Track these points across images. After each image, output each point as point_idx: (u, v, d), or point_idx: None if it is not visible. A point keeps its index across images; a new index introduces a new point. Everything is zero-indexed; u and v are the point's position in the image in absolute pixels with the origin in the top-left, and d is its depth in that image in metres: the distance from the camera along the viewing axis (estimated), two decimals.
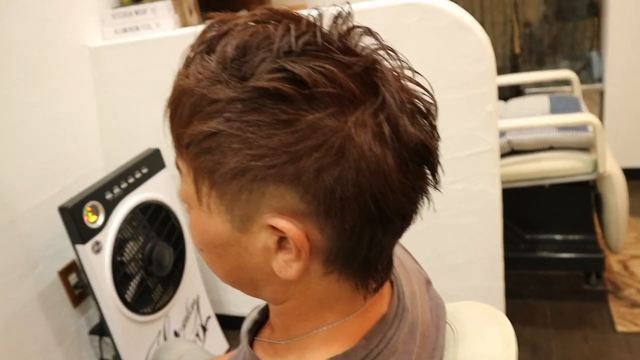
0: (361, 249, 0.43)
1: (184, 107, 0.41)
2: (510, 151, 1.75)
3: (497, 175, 1.48)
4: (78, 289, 1.57)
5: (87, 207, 1.34)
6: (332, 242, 0.42)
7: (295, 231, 0.40)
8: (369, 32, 0.42)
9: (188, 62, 0.43)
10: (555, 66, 2.64)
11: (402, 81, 0.42)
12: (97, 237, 1.35)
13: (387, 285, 0.54)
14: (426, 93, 0.44)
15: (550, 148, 1.71)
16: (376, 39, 0.43)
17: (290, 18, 0.41)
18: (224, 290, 1.93)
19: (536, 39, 2.59)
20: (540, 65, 2.65)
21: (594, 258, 1.82)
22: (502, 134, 1.74)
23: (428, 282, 0.68)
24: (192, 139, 0.41)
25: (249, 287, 0.48)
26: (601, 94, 2.49)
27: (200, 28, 0.44)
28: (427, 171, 0.44)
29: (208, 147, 0.40)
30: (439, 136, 0.45)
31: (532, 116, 1.82)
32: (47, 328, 1.48)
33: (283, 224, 0.40)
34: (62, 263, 1.53)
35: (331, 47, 0.39)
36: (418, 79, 0.44)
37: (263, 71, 0.38)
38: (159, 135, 1.67)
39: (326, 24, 0.42)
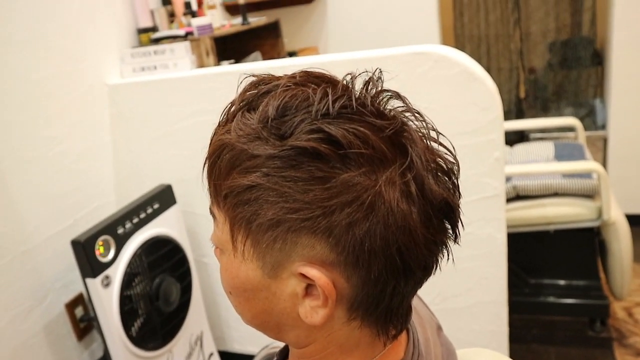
0: (384, 298, 0.45)
1: (224, 160, 0.44)
2: (516, 196, 1.78)
3: (503, 220, 1.50)
4: (83, 322, 1.57)
5: (99, 242, 1.36)
6: (357, 291, 0.44)
7: (324, 280, 0.43)
8: (397, 96, 0.45)
9: (229, 118, 0.46)
10: (559, 112, 2.69)
11: (427, 141, 0.45)
12: (107, 272, 1.37)
13: (403, 332, 0.56)
14: (449, 153, 0.47)
15: (555, 194, 1.74)
16: (404, 102, 0.46)
17: (327, 82, 0.45)
18: (228, 327, 1.93)
19: (541, 86, 2.65)
20: (544, 111, 2.71)
21: (598, 304, 1.82)
22: (508, 179, 1.76)
23: (439, 328, 0.69)
24: (230, 190, 0.44)
25: (274, 330, 0.50)
26: (605, 140, 2.53)
27: (242, 86, 0.47)
28: (448, 226, 0.47)
29: (247, 199, 0.43)
30: (460, 194, 0.47)
31: (537, 162, 1.85)
32: None
33: (313, 272, 0.43)
34: (70, 296, 1.54)
35: (364, 110, 0.43)
36: (442, 139, 0.47)
37: (302, 131, 0.41)
38: (171, 171, 1.71)
39: (357, 87, 0.46)
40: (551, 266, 1.85)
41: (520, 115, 2.73)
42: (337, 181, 0.41)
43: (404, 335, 0.56)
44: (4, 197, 1.35)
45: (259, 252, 0.45)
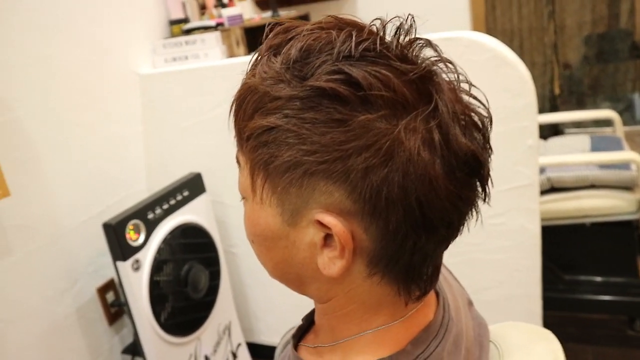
0: (404, 253, 0.43)
1: (248, 103, 0.44)
2: (550, 188, 1.73)
3: (536, 210, 1.46)
4: (114, 307, 1.59)
5: (130, 225, 1.38)
6: (376, 244, 0.43)
7: (340, 227, 0.42)
8: (429, 44, 0.44)
9: (256, 64, 0.46)
10: (595, 107, 2.61)
11: (457, 93, 0.44)
12: (137, 255, 1.39)
13: (432, 295, 0.54)
14: (482, 106, 0.45)
15: (592, 186, 1.68)
16: (436, 51, 0.44)
17: (353, 26, 0.44)
18: (256, 319, 1.93)
19: (576, 80, 2.58)
20: (580, 106, 2.63)
21: (638, 302, 1.75)
22: (542, 170, 1.72)
23: (470, 303, 0.67)
24: (252, 132, 0.43)
25: (295, 282, 0.49)
26: None
27: (269, 30, 0.47)
28: (477, 183, 0.45)
29: (265, 140, 0.42)
30: (491, 149, 0.46)
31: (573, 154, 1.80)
32: (82, 344, 1.50)
33: (329, 219, 0.42)
34: (101, 281, 1.57)
35: (389, 54, 0.41)
36: (475, 92, 0.46)
37: (322, 72, 0.40)
38: (201, 160, 1.72)
39: (389, 35, 0.44)
40: (588, 261, 1.79)
41: (554, 111, 2.66)
42: (355, 124, 0.39)
43: (433, 299, 0.54)
44: (39, 182, 1.39)
45: (278, 197, 0.44)
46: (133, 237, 1.39)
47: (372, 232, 0.42)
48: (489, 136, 0.45)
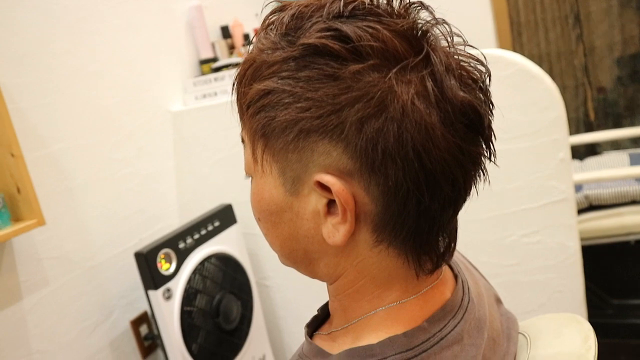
0: (408, 216, 0.42)
1: (248, 75, 0.45)
2: (589, 207, 1.67)
3: (574, 226, 1.40)
4: (148, 341, 1.59)
5: (161, 255, 1.39)
6: (379, 206, 0.42)
7: (339, 186, 0.41)
8: (422, 5, 0.45)
9: (254, 41, 0.47)
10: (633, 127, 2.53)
11: (452, 49, 0.44)
12: (169, 284, 1.39)
13: (450, 276, 0.52)
14: (479, 62, 0.45)
15: (633, 202, 1.61)
16: (430, 12, 0.45)
17: None
18: (290, 352, 1.89)
19: (611, 103, 2.53)
20: (617, 127, 2.56)
21: None
22: (579, 188, 1.66)
23: (498, 300, 0.65)
24: (251, 100, 0.44)
25: (304, 261, 0.49)
26: None
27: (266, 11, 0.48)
28: (479, 139, 0.44)
29: (263, 104, 0.43)
30: (492, 104, 0.45)
31: None
32: None
33: (328, 178, 0.41)
34: (135, 313, 1.58)
35: (379, 10, 0.42)
36: (473, 52, 0.46)
37: (313, 31, 0.41)
38: (231, 192, 1.74)
39: None
40: (637, 283, 1.70)
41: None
42: (346, 75, 0.40)
43: (450, 278, 0.52)
44: (75, 214, 1.43)
45: (278, 165, 0.44)
46: (164, 266, 1.40)
47: (373, 191, 0.41)
48: (487, 89, 0.44)
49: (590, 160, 1.95)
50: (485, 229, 1.45)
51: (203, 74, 1.87)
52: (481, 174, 0.45)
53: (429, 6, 0.45)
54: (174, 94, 1.80)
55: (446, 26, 0.45)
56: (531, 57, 2.51)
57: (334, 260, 0.47)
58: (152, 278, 1.36)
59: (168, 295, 1.39)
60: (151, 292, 1.37)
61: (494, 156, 0.45)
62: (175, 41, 1.84)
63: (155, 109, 1.73)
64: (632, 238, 1.60)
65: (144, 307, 1.60)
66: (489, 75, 0.45)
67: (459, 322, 0.47)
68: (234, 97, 0.48)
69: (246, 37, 2.00)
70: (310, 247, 0.47)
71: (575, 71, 2.50)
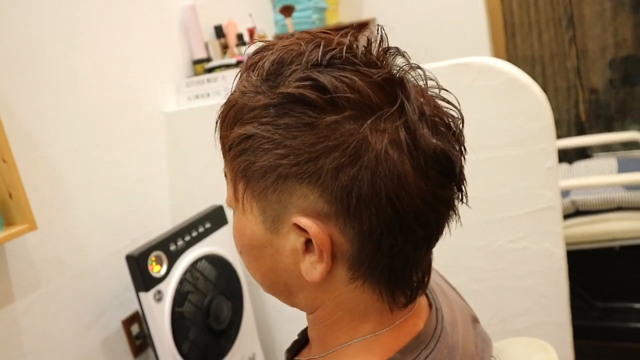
0: (383, 256, 0.44)
1: (230, 116, 0.47)
2: (575, 212, 1.69)
3: (560, 233, 1.42)
4: (139, 340, 1.61)
5: (152, 257, 1.41)
6: (354, 246, 0.44)
7: (315, 229, 0.43)
8: (398, 51, 0.46)
9: (237, 82, 0.49)
10: (624, 131, 2.55)
11: (426, 96, 0.45)
12: (160, 286, 1.41)
13: (424, 305, 0.54)
14: (453, 109, 0.46)
15: (619, 208, 1.64)
16: (405, 58, 0.46)
17: (323, 37, 0.46)
18: (280, 352, 1.91)
19: (603, 105, 2.55)
20: (608, 130, 2.58)
21: None
22: (566, 193, 1.69)
23: (475, 320, 0.66)
24: (232, 142, 0.46)
25: (284, 292, 0.51)
26: None
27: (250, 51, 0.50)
28: (452, 183, 0.46)
29: (243, 148, 0.45)
30: (465, 150, 0.46)
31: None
32: None
33: (305, 221, 0.43)
34: (126, 313, 1.60)
35: (356, 60, 0.43)
36: (448, 96, 0.47)
37: (292, 80, 0.43)
38: (224, 193, 1.76)
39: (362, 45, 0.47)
40: (620, 287, 1.73)
41: (581, 135, 2.62)
42: (323, 125, 0.42)
43: (424, 309, 0.54)
44: (67, 216, 1.44)
45: (258, 204, 0.46)
46: (155, 268, 1.42)
47: (349, 233, 0.43)
48: (460, 136, 0.46)
49: (579, 165, 1.97)
50: (473, 235, 1.48)
51: (196, 74, 1.88)
52: (454, 214, 0.47)
53: (405, 52, 0.46)
54: (167, 94, 1.81)
55: (421, 71, 0.46)
56: (524, 58, 2.52)
57: (312, 294, 0.49)
58: (143, 280, 1.38)
59: (159, 297, 1.41)
60: (142, 294, 1.39)
61: (466, 198, 0.47)
62: (169, 41, 1.84)
63: (148, 110, 1.73)
64: (616, 244, 1.63)
65: (135, 307, 1.62)
66: (462, 121, 0.46)
67: (430, 352, 0.49)
68: (217, 135, 0.50)
69: (240, 36, 2.00)
70: (290, 281, 0.49)
71: (568, 73, 2.52)
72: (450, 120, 0.45)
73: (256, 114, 0.44)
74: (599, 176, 1.70)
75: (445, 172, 0.44)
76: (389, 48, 0.46)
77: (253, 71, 0.47)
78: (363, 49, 0.45)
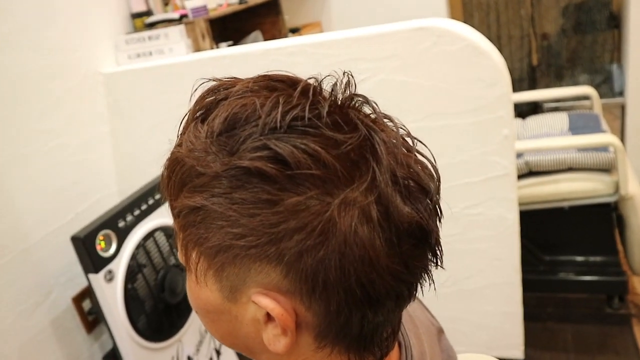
0: (352, 328, 0.41)
1: (177, 176, 0.41)
2: (528, 172, 1.72)
3: (514, 200, 1.44)
4: (92, 315, 1.57)
5: (100, 237, 1.34)
6: (321, 319, 0.40)
7: (278, 310, 0.39)
8: (366, 101, 0.41)
9: (185, 129, 0.42)
10: (574, 80, 2.58)
11: (399, 156, 0.40)
12: (110, 266, 1.35)
13: (394, 351, 0.52)
14: (429, 165, 0.42)
15: (570, 169, 1.67)
16: (373, 108, 0.41)
17: (283, 89, 0.40)
18: None
19: (554, 53, 2.55)
20: (558, 79, 2.60)
21: (617, 281, 1.77)
22: (520, 155, 1.70)
23: (440, 332, 0.65)
24: (180, 210, 0.41)
25: (246, 351, 0.48)
26: (622, 108, 2.43)
27: (199, 93, 0.43)
28: (427, 252, 0.42)
29: (193, 220, 0.40)
30: (441, 213, 0.42)
31: (551, 135, 1.78)
32: (61, 354, 1.48)
33: (266, 302, 0.39)
34: (76, 289, 1.54)
35: (319, 122, 0.38)
36: (422, 149, 0.42)
37: (247, 149, 0.37)
38: None
39: (326, 90, 0.41)
40: (567, 243, 1.80)
41: (533, 84, 2.63)
42: (284, 205, 0.36)
43: (395, 352, 0.52)
44: (1, 195, 1.33)
45: (214, 276, 0.42)
46: (104, 247, 1.35)
47: (315, 310, 0.40)
48: (437, 200, 0.42)
49: (532, 121, 1.98)
50: None
51: (136, 29, 1.73)
52: (427, 278, 0.44)
53: (374, 102, 0.41)
54: (105, 53, 1.66)
55: (392, 124, 0.41)
56: (479, 5, 2.46)
57: (275, 357, 0.45)
58: (92, 262, 1.31)
59: (110, 277, 1.35)
60: (92, 276, 1.33)
61: (441, 261, 0.44)
62: None
63: (84, 71, 1.59)
64: (566, 204, 1.67)
65: (86, 282, 1.55)
66: (439, 180, 0.42)
67: None
68: (163, 185, 0.44)
69: None
70: (251, 345, 0.45)
71: (522, 21, 2.49)
72: (425, 183, 0.41)
73: (205, 182, 0.38)
74: (553, 139, 1.72)
75: (419, 244, 0.40)
76: (353, 95, 0.41)
77: (202, 122, 0.41)
78: (326, 105, 0.39)
